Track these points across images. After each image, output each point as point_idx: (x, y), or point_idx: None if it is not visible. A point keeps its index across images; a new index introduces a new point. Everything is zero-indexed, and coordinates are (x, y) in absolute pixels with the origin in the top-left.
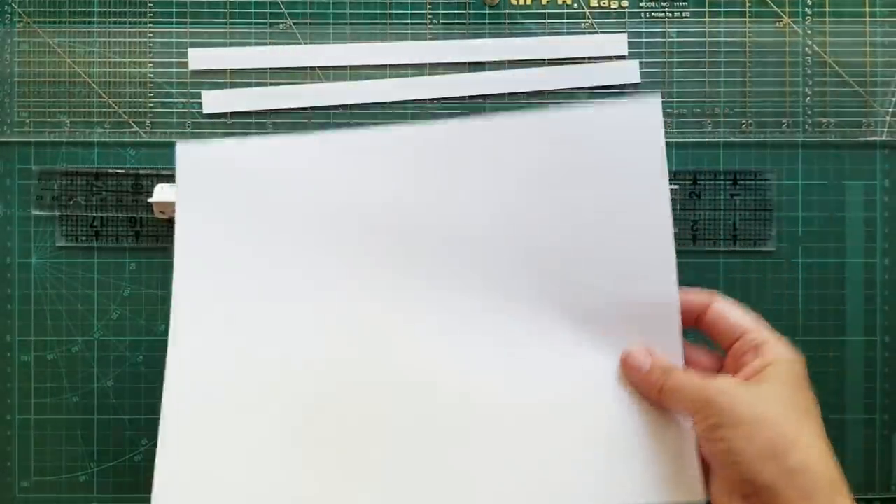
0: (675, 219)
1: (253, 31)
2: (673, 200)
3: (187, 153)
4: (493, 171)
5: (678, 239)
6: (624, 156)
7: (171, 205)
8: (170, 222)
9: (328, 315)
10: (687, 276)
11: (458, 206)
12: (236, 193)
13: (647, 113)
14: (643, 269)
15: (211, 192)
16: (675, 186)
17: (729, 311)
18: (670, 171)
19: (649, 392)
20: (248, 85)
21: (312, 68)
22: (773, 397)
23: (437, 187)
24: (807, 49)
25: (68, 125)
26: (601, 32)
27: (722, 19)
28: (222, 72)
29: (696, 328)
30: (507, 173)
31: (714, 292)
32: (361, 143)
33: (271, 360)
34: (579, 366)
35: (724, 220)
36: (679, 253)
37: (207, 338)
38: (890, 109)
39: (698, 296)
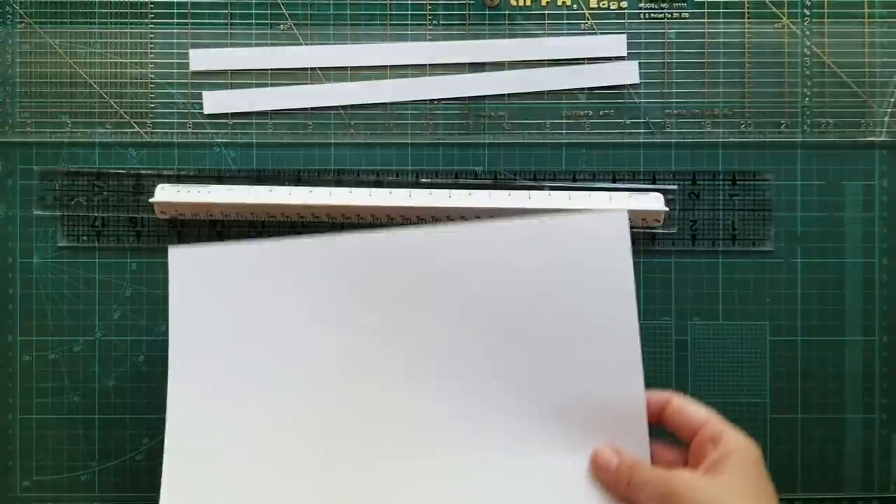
0: (674, 219)
1: (254, 31)
2: (672, 201)
3: (179, 257)
4: (467, 278)
5: (678, 239)
6: (593, 264)
7: (173, 205)
8: (171, 222)
9: (311, 415)
10: (686, 276)
11: (434, 311)
12: (226, 294)
13: (615, 224)
14: (612, 373)
15: (202, 293)
16: (675, 186)
17: (687, 407)
18: (669, 172)
19: (618, 488)
20: (249, 85)
21: (313, 69)
22: (731, 487)
23: (415, 291)
24: (805, 50)
25: (70, 125)
26: (601, 33)
27: (721, 20)
28: (223, 72)
29: (658, 424)
30: (480, 280)
31: (672, 391)
32: (344, 248)
33: (264, 458)
34: (551, 464)
35: (723, 221)
36: (678, 253)
37: (204, 437)
38: (888, 110)
39: (659, 395)
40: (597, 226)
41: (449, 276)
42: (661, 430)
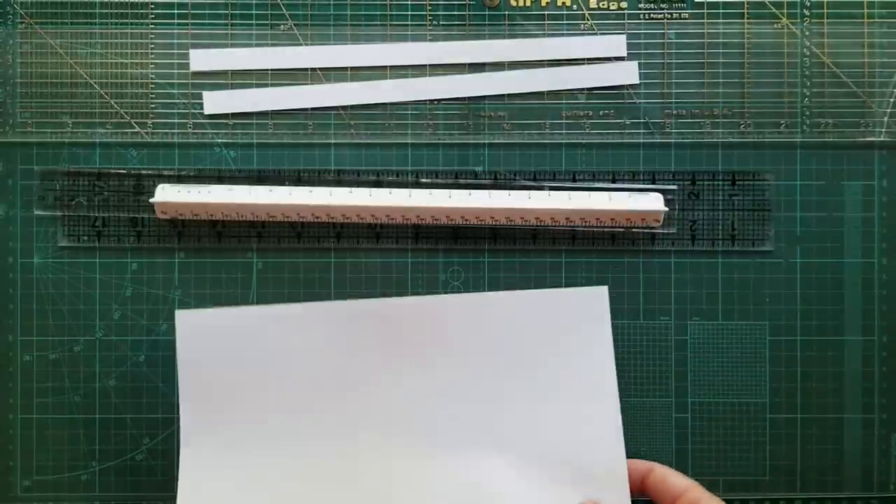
0: (673, 219)
1: (254, 32)
2: (671, 201)
3: (187, 320)
4: (459, 343)
5: (678, 239)
6: (575, 336)
7: (173, 205)
8: (171, 223)
9: (312, 469)
10: (685, 277)
11: (427, 374)
12: (230, 354)
13: (596, 299)
14: (594, 440)
15: (208, 353)
16: (674, 186)
17: (668, 475)
18: (669, 172)
19: None
20: (249, 86)
21: (313, 69)
22: None
23: (409, 354)
24: (805, 50)
25: (70, 126)
26: (600, 34)
27: (720, 21)
28: (223, 73)
29: (641, 492)
30: (468, 347)
31: (653, 462)
32: (342, 312)
33: None
34: None
35: (723, 221)
36: (677, 253)
37: (215, 489)
38: (888, 110)
39: (641, 464)
40: (579, 300)
41: (442, 341)
42: (645, 498)
